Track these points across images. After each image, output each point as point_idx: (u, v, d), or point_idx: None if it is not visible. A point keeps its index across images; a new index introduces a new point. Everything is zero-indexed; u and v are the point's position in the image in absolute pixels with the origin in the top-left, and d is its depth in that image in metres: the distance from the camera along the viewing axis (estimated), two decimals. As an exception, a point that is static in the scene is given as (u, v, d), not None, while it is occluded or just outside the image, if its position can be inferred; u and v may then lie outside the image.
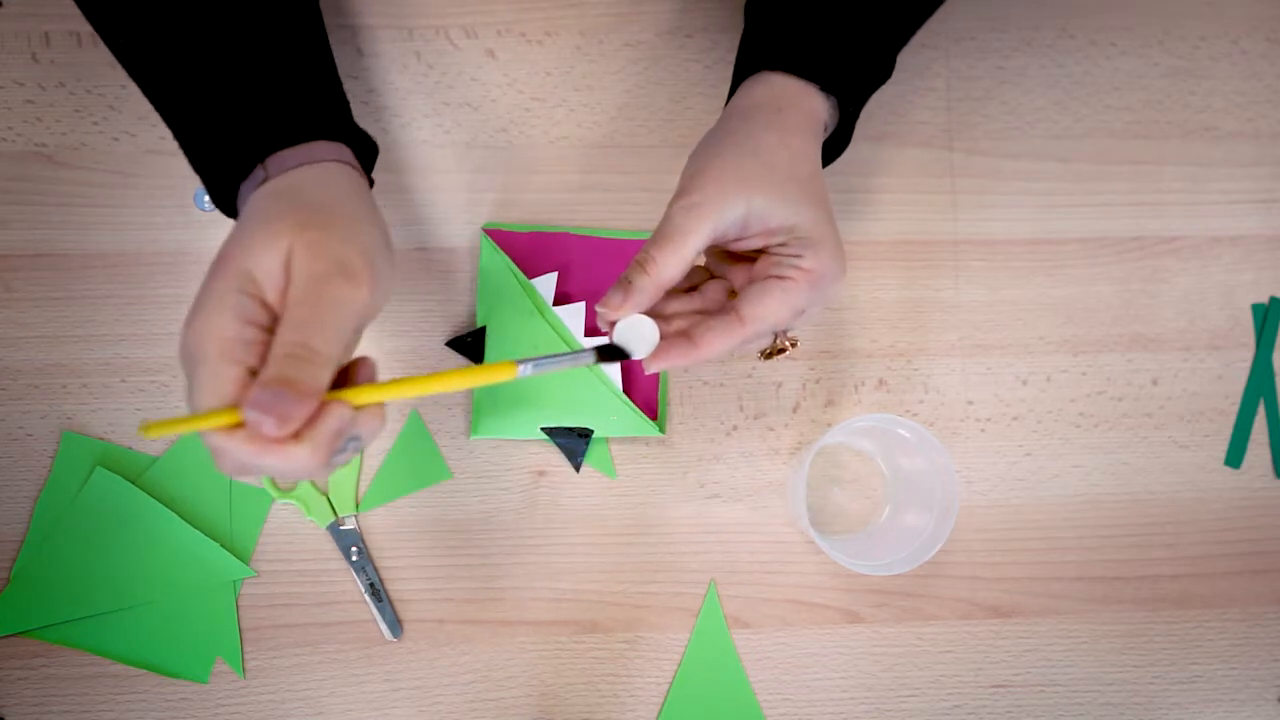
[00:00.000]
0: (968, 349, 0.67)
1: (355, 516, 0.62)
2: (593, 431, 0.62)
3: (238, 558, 0.61)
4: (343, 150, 0.48)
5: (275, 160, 0.46)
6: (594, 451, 0.64)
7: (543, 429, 0.62)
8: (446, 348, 0.64)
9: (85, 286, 0.63)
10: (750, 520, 0.64)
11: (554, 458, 0.64)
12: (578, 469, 0.63)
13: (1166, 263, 0.69)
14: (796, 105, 0.52)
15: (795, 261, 0.49)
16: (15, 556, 0.61)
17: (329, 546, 0.62)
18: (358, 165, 0.49)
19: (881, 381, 0.66)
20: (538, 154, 0.66)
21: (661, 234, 0.48)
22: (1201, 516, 0.67)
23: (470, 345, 0.63)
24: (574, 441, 0.63)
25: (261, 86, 0.48)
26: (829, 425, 0.65)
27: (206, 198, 0.64)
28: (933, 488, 0.60)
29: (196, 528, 0.61)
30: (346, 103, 0.53)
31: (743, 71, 0.54)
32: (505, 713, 0.62)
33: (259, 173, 0.46)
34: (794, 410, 0.65)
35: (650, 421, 0.63)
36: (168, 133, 0.63)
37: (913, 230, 0.67)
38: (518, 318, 0.63)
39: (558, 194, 0.66)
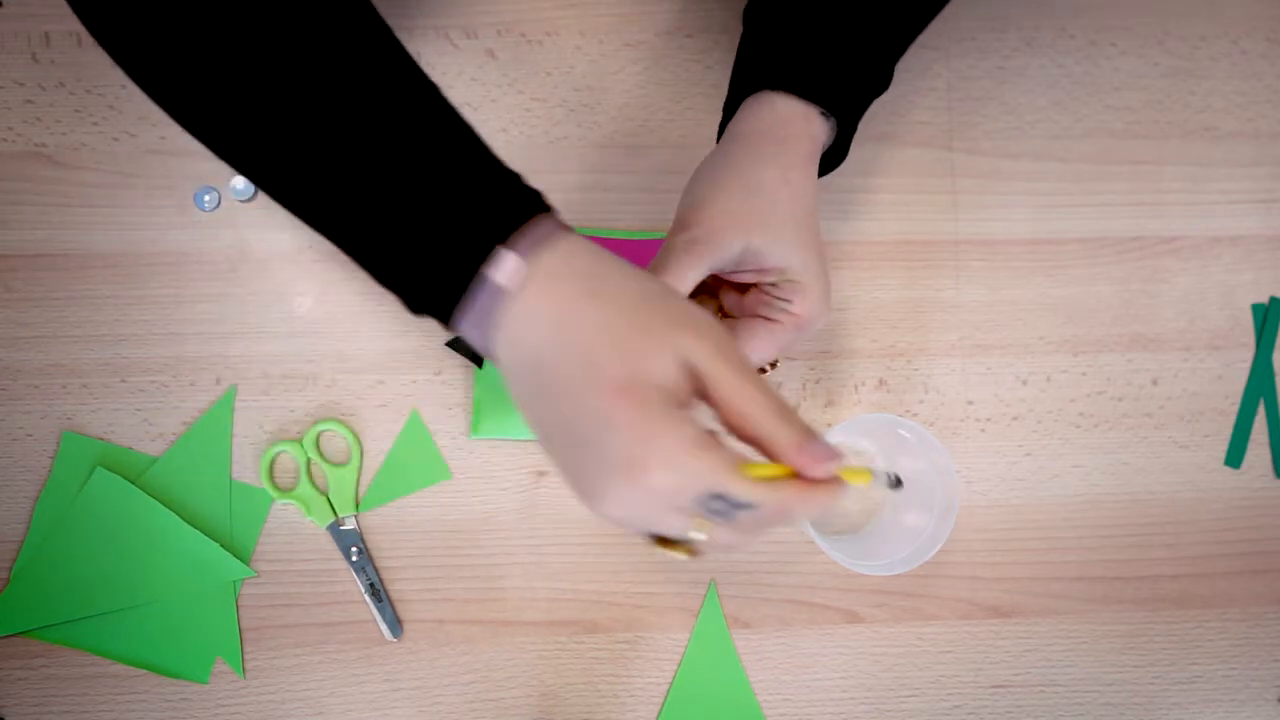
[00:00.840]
0: (968, 349, 0.67)
1: (355, 516, 0.62)
2: None
3: (238, 558, 0.61)
4: (549, 215, 0.43)
5: (504, 257, 0.40)
6: (594, 451, 0.64)
7: None
8: (446, 348, 0.64)
9: (85, 286, 0.63)
10: (750, 520, 0.64)
11: (554, 458, 0.64)
12: None
13: (1166, 263, 0.69)
14: (799, 133, 0.53)
15: (784, 305, 0.51)
16: (15, 556, 0.61)
17: (329, 546, 0.62)
18: (562, 221, 0.43)
19: (881, 381, 0.66)
20: (538, 154, 0.66)
21: (661, 267, 0.50)
22: (1201, 516, 0.67)
23: (470, 345, 0.63)
24: None
25: (447, 178, 0.42)
26: (829, 425, 0.65)
27: (207, 197, 0.64)
28: (933, 488, 0.60)
29: (196, 528, 0.61)
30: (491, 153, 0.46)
31: (743, 87, 0.55)
32: (505, 713, 0.62)
33: (490, 276, 0.40)
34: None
35: None
36: (168, 132, 0.64)
37: (913, 230, 0.67)
38: None
39: (558, 194, 0.65)
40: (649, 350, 0.39)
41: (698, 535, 0.40)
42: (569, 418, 0.40)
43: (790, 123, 0.53)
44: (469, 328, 0.42)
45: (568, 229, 0.42)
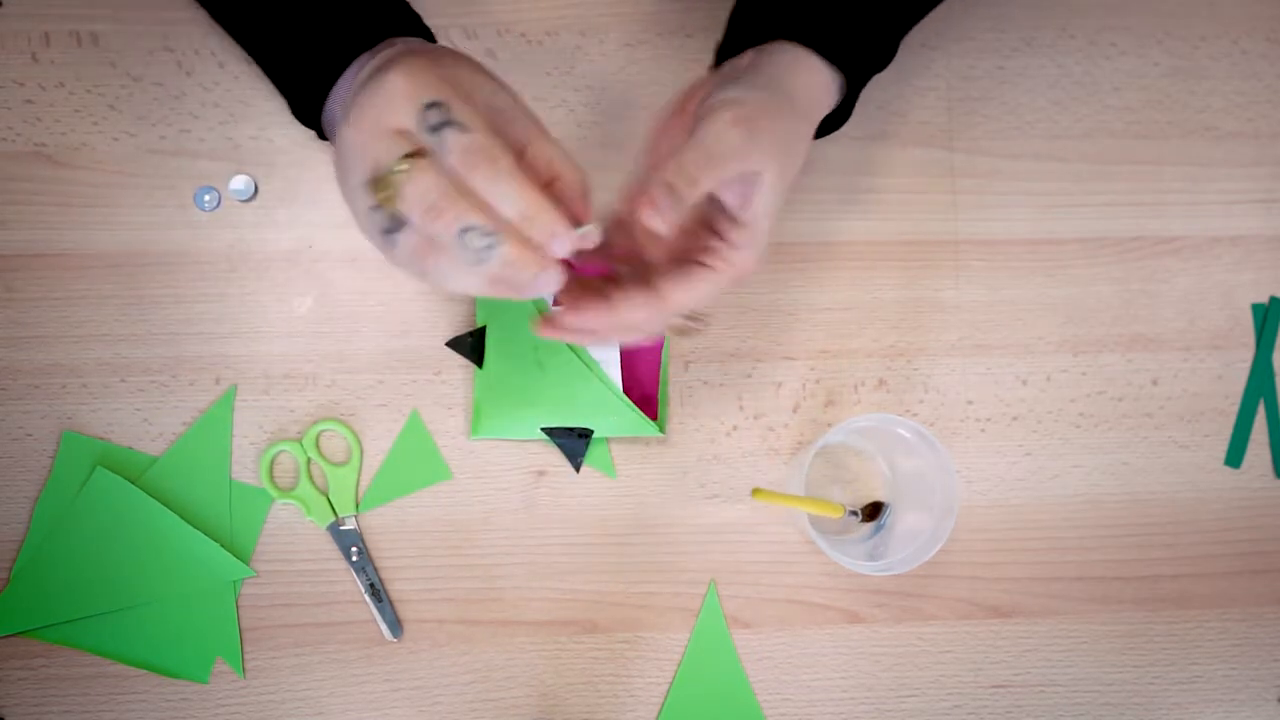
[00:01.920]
0: (968, 349, 0.67)
1: (355, 516, 0.62)
2: (593, 432, 0.62)
3: (238, 558, 0.61)
4: (421, 42, 0.50)
5: (360, 61, 0.48)
6: (594, 451, 0.64)
7: (543, 429, 0.62)
8: (446, 348, 0.64)
9: (85, 286, 0.63)
10: (750, 520, 0.64)
11: (554, 458, 0.64)
12: (578, 469, 0.63)
13: (1166, 263, 0.68)
14: (817, 93, 0.53)
15: (729, 254, 0.49)
16: (15, 556, 0.61)
17: (329, 546, 0.62)
18: None
19: (881, 381, 0.66)
20: (538, 154, 0.66)
21: (711, 152, 0.46)
22: (1201, 516, 0.67)
23: (471, 345, 0.63)
24: (574, 442, 0.63)
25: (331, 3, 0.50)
26: (829, 425, 0.65)
27: (207, 197, 0.64)
28: (933, 488, 0.60)
29: (196, 528, 0.61)
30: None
31: (753, 31, 0.53)
32: (505, 713, 0.62)
33: (350, 74, 0.48)
34: (794, 410, 0.65)
35: (650, 421, 0.62)
36: (168, 132, 0.64)
37: (913, 230, 0.67)
38: (519, 317, 0.63)
39: (558, 194, 0.66)
40: (430, 55, 0.44)
41: (401, 167, 0.41)
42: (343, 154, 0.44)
43: (811, 82, 0.53)
44: (328, 121, 0.51)
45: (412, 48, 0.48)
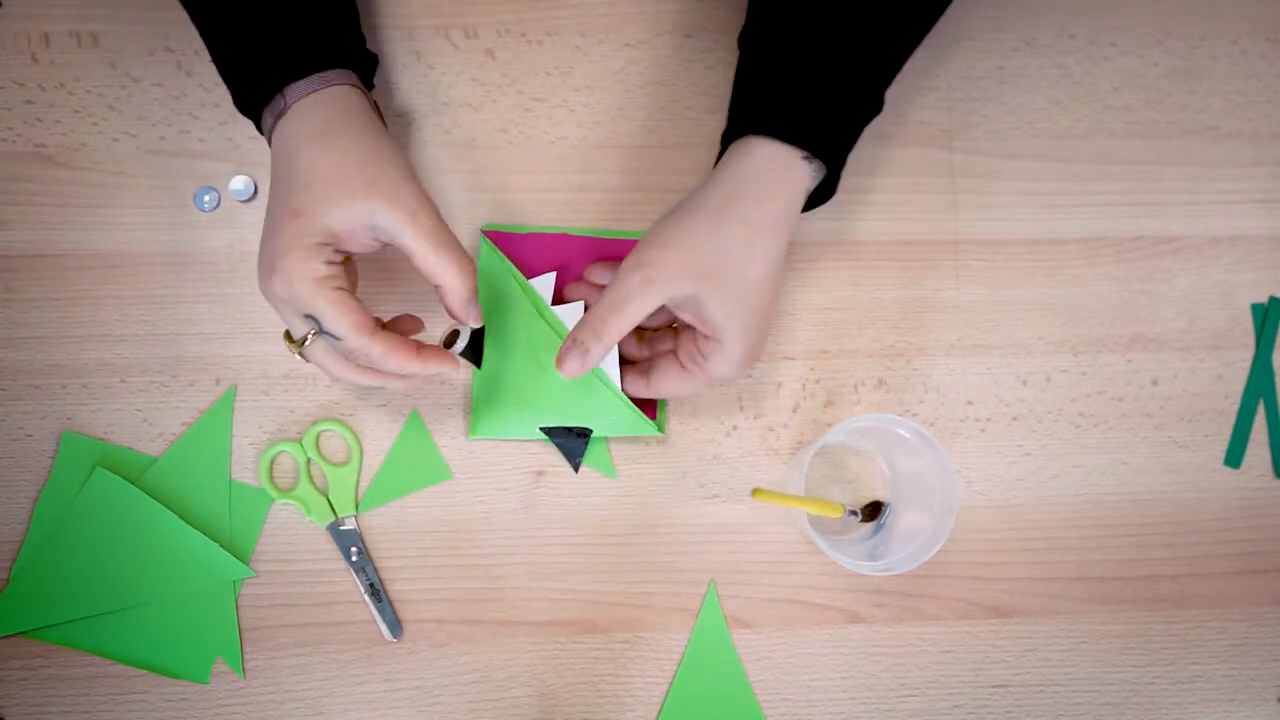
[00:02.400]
0: (968, 349, 0.67)
1: (355, 516, 0.62)
2: (591, 431, 0.62)
3: (238, 558, 0.61)
4: (348, 74, 0.55)
5: (292, 90, 0.53)
6: (594, 451, 0.64)
7: (541, 429, 0.62)
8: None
9: (85, 286, 0.63)
10: (750, 520, 0.64)
11: (553, 458, 0.64)
12: (576, 469, 0.63)
13: (1166, 263, 0.69)
14: (778, 187, 0.56)
15: (702, 361, 0.56)
16: (15, 556, 0.61)
17: (329, 546, 0.62)
18: (360, 84, 0.56)
19: (881, 381, 0.66)
20: (538, 154, 0.66)
21: (614, 300, 0.55)
22: (1201, 516, 0.67)
23: (469, 346, 0.63)
24: (573, 442, 0.63)
25: (279, 19, 0.54)
26: (829, 425, 0.65)
27: (207, 197, 0.64)
28: (933, 488, 0.60)
29: (196, 528, 0.61)
30: (354, 21, 0.58)
31: (732, 129, 0.57)
32: (505, 713, 0.62)
33: (279, 100, 0.53)
34: (794, 410, 0.65)
35: (649, 421, 0.62)
36: (168, 132, 0.64)
37: (913, 230, 0.67)
38: (517, 318, 0.63)
39: (558, 194, 0.66)
40: (334, 200, 0.51)
41: (301, 340, 0.53)
42: (269, 215, 0.52)
43: (770, 174, 0.56)
44: (266, 130, 0.55)
45: (354, 86, 0.55)
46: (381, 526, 0.63)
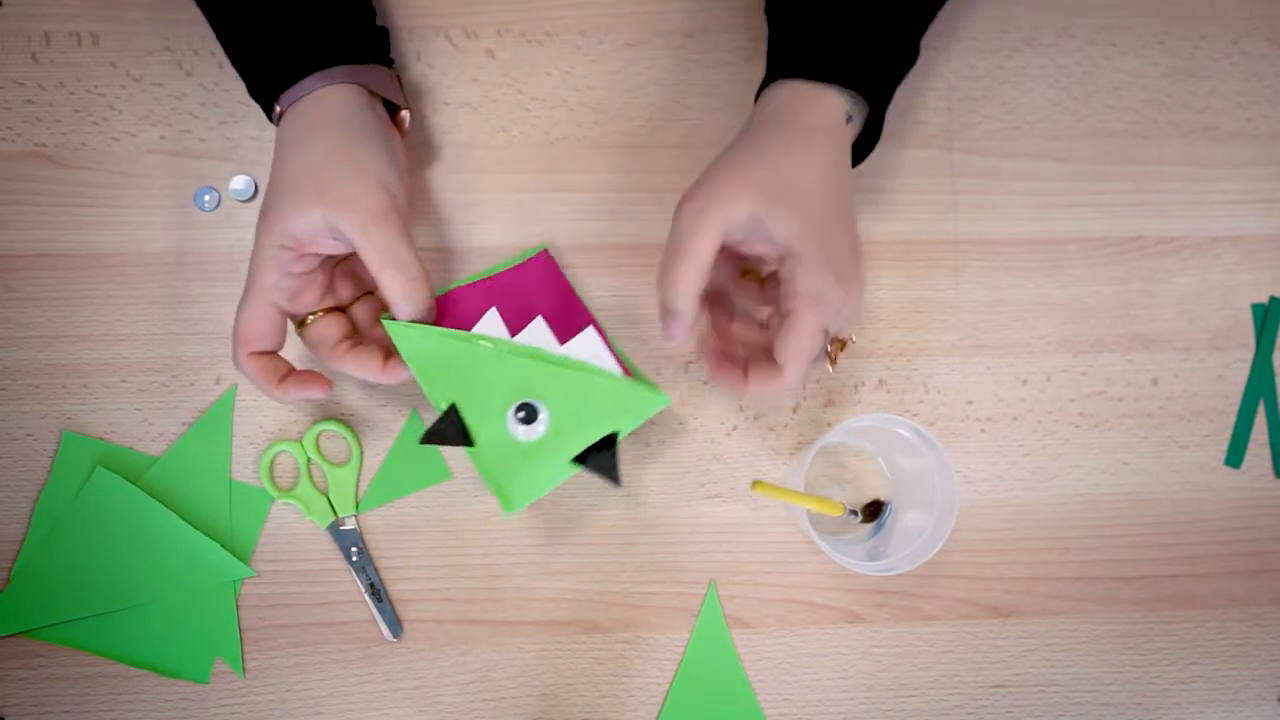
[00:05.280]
0: (968, 349, 0.67)
1: (355, 516, 0.62)
2: (615, 435, 0.56)
3: (238, 558, 0.61)
4: (349, 70, 0.56)
5: (285, 96, 0.55)
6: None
7: (573, 460, 0.56)
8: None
9: (85, 286, 0.63)
10: (750, 520, 0.64)
11: (554, 458, 0.64)
12: (619, 482, 0.56)
13: (1166, 263, 0.69)
14: (809, 108, 0.54)
15: (791, 288, 0.51)
16: (15, 556, 0.61)
17: (329, 546, 0.62)
18: (357, 80, 0.56)
19: (881, 381, 0.66)
20: (538, 154, 0.66)
21: (674, 245, 0.51)
22: (1201, 516, 0.67)
23: (445, 431, 0.55)
24: (602, 458, 0.56)
25: (275, 23, 0.55)
26: (829, 425, 0.65)
27: (207, 197, 0.64)
28: (933, 488, 0.60)
29: (196, 528, 0.61)
30: (359, 6, 0.59)
31: (766, 80, 0.56)
32: (505, 713, 0.62)
33: (277, 106, 0.55)
34: (794, 410, 0.65)
35: (658, 392, 0.57)
36: (168, 132, 0.64)
37: (913, 230, 0.67)
38: (484, 372, 0.56)
39: (558, 194, 0.66)
40: (291, 204, 0.52)
41: (305, 319, 0.57)
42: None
43: (800, 99, 0.54)
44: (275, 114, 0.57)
45: (349, 84, 0.56)
46: (381, 526, 0.63)
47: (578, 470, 0.56)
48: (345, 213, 0.52)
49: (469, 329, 0.57)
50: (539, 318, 0.57)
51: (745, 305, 0.60)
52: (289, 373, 0.56)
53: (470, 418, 0.56)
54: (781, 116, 0.54)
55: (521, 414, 0.55)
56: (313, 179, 0.53)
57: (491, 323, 0.57)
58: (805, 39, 0.55)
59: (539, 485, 0.56)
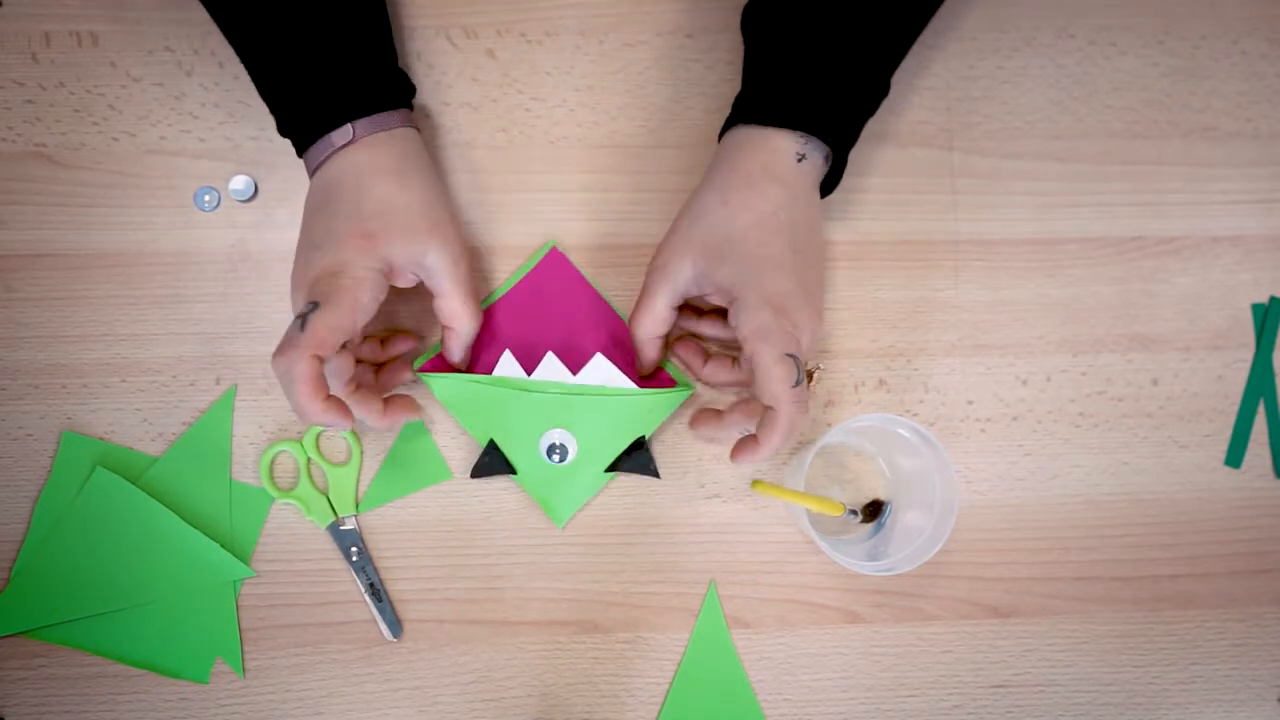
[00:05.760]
0: (968, 349, 0.67)
1: (355, 516, 0.62)
2: (645, 436, 0.62)
3: (238, 558, 0.61)
4: (406, 114, 0.59)
5: (361, 124, 0.56)
6: (594, 451, 0.64)
7: (607, 470, 0.62)
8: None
9: (85, 286, 0.63)
10: (750, 520, 0.64)
11: (554, 458, 0.64)
12: (657, 475, 0.63)
13: (1166, 263, 0.69)
14: (755, 153, 0.57)
15: (739, 331, 0.55)
16: (15, 556, 0.61)
17: (329, 546, 0.62)
18: (414, 122, 0.60)
19: (881, 381, 0.66)
20: (538, 154, 0.66)
21: (639, 299, 0.59)
22: (1201, 516, 0.67)
23: (490, 464, 0.62)
24: (639, 458, 0.62)
25: (346, 51, 0.57)
26: (829, 425, 0.65)
27: (207, 197, 0.64)
28: (933, 488, 0.60)
29: (196, 528, 0.61)
30: (394, 56, 0.61)
31: (725, 125, 0.60)
32: (505, 713, 0.62)
33: (347, 130, 0.56)
34: (794, 410, 0.65)
35: (677, 389, 0.62)
36: (168, 132, 0.64)
37: (913, 230, 0.67)
38: (515, 411, 0.62)
39: (558, 194, 0.66)
40: (402, 233, 0.55)
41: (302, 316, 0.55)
42: (322, 226, 0.55)
43: (743, 145, 0.58)
44: (309, 157, 0.57)
45: (413, 127, 0.59)
46: (381, 526, 0.63)
47: (613, 476, 0.63)
48: (447, 248, 0.56)
49: (494, 350, 0.63)
50: (549, 354, 0.62)
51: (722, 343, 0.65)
52: (328, 394, 0.53)
53: (508, 450, 0.62)
54: (728, 164, 0.58)
55: (553, 454, 0.62)
56: (425, 214, 0.56)
57: (508, 363, 0.62)
58: (754, 83, 0.58)
59: (580, 498, 0.63)
